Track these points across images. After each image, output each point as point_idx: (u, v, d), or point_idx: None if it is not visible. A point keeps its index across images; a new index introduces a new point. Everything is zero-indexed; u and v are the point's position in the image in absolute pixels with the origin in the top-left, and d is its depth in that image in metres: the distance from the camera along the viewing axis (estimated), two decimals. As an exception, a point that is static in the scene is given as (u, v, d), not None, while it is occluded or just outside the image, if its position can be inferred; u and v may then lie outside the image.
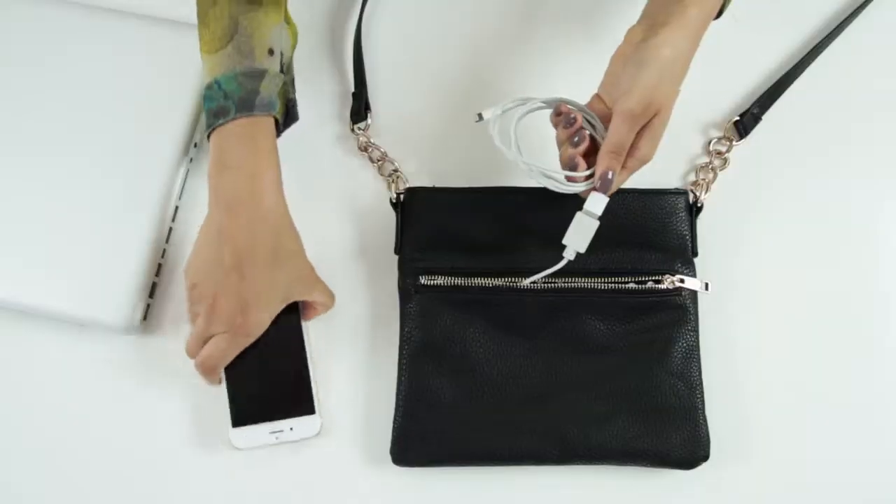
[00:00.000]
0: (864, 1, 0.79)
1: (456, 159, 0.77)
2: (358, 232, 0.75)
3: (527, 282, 0.68)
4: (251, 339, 0.67)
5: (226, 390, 0.70)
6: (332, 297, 0.71)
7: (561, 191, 0.65)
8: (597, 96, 0.67)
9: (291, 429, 0.69)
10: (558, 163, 0.67)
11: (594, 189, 0.64)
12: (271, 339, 0.68)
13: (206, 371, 0.67)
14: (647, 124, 0.63)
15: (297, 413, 0.70)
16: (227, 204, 0.65)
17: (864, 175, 0.76)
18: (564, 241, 0.65)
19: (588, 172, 0.64)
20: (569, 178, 0.65)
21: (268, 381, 0.70)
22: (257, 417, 0.70)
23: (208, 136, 0.66)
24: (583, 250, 0.65)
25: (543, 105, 0.67)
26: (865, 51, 0.79)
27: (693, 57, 0.64)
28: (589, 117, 0.66)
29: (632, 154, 0.64)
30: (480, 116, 0.65)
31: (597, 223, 0.65)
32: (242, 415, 0.70)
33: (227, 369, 0.69)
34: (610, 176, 0.63)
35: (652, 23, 0.63)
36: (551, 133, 0.67)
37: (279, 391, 0.70)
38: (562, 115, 0.65)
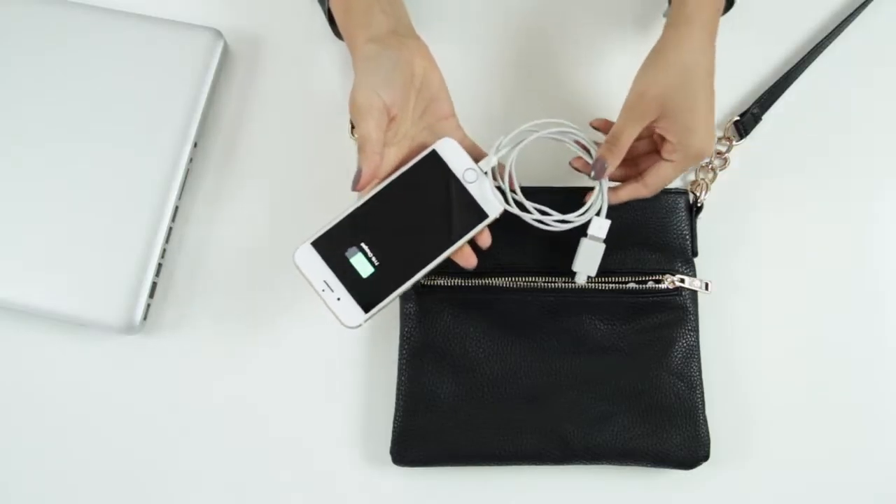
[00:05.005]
0: (864, 1, 0.79)
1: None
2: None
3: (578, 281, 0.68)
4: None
5: (353, 207, 0.62)
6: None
7: (556, 230, 0.66)
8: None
9: (339, 299, 0.61)
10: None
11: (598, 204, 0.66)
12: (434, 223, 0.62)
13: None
14: (665, 143, 0.65)
15: (357, 295, 0.61)
16: None
17: (863, 174, 0.76)
18: (574, 268, 0.67)
19: (583, 211, 0.66)
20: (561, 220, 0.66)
21: (386, 247, 0.62)
22: (334, 260, 0.62)
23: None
24: (594, 274, 0.67)
25: (540, 135, 0.67)
26: (865, 51, 0.79)
27: (705, 54, 0.64)
28: (583, 140, 0.67)
29: (641, 179, 0.67)
30: (480, 169, 0.65)
31: (603, 246, 0.67)
32: (328, 242, 0.62)
33: (375, 197, 0.62)
34: (605, 165, 0.65)
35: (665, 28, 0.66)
36: (548, 157, 0.70)
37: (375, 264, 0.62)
38: (589, 165, 0.67)
